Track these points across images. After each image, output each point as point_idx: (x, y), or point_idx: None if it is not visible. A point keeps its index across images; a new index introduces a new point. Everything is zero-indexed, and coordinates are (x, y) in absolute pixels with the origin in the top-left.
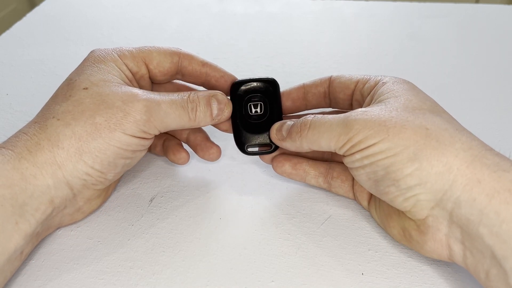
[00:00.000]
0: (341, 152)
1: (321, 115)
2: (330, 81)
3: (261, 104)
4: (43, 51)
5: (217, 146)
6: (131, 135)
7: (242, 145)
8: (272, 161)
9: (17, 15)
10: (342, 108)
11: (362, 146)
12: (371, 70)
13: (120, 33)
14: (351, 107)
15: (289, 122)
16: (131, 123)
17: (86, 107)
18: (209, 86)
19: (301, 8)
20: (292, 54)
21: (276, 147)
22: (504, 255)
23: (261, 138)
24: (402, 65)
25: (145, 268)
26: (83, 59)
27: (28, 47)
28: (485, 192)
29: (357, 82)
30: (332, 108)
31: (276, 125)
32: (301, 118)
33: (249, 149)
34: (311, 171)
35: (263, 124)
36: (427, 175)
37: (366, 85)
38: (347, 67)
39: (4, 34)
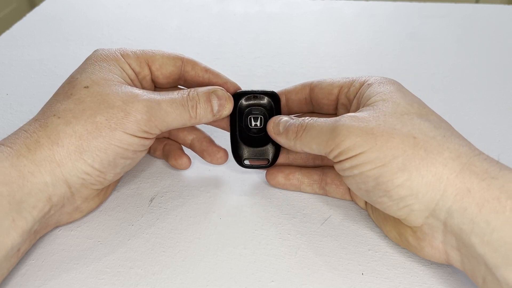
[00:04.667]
0: (330, 157)
1: (317, 118)
2: (310, 88)
3: (261, 118)
4: (43, 51)
5: (224, 150)
6: (132, 135)
7: (239, 158)
8: (266, 174)
9: (17, 15)
10: (327, 113)
11: (350, 154)
12: (371, 70)
13: (120, 33)
14: (335, 111)
15: (286, 118)
16: (132, 123)
17: (87, 106)
18: None
19: (301, 8)
20: (292, 54)
21: (273, 162)
22: (496, 263)
23: (259, 152)
24: (402, 65)
25: (145, 268)
26: (83, 59)
27: (28, 47)
28: (475, 202)
29: (341, 87)
30: (316, 112)
31: (274, 119)
32: (300, 119)
33: (246, 162)
34: (305, 180)
35: (261, 138)
36: (418, 186)
37: (352, 88)
38: (347, 67)
39: (4, 34)
